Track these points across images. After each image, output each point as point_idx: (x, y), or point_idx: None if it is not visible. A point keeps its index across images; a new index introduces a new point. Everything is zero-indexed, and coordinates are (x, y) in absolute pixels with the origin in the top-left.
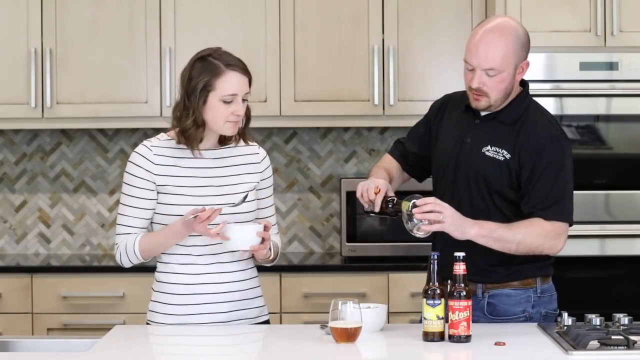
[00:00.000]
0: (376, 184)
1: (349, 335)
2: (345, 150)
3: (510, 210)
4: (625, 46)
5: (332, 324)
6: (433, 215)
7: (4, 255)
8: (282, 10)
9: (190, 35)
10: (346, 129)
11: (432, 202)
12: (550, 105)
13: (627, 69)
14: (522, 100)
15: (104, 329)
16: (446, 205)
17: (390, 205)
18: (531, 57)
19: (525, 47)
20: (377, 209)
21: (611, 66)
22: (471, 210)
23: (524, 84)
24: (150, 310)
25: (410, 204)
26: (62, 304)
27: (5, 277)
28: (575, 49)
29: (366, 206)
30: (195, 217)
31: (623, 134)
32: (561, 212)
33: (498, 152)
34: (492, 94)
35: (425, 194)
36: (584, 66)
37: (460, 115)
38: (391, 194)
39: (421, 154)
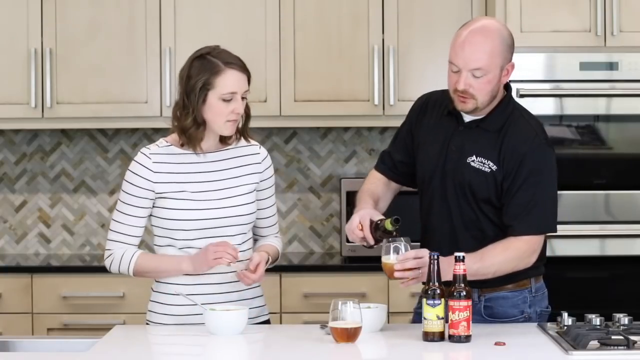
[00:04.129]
0: (356, 222)
1: (349, 335)
2: (345, 150)
3: (500, 218)
4: (625, 46)
5: (332, 324)
6: (413, 272)
7: (4, 255)
8: (282, 10)
9: (190, 35)
10: (346, 129)
11: (412, 258)
12: (550, 105)
13: (627, 69)
14: (506, 106)
15: (104, 329)
16: (427, 259)
17: (379, 233)
18: (531, 57)
19: (511, 48)
20: (372, 242)
21: (611, 66)
22: (461, 220)
23: (506, 87)
24: (149, 311)
25: (393, 223)
26: (62, 304)
27: (5, 277)
28: (575, 49)
29: (364, 244)
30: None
31: (623, 134)
32: (538, 223)
33: (484, 164)
34: (479, 96)
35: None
36: (584, 66)
37: (442, 118)
38: (377, 217)
39: (408, 161)
